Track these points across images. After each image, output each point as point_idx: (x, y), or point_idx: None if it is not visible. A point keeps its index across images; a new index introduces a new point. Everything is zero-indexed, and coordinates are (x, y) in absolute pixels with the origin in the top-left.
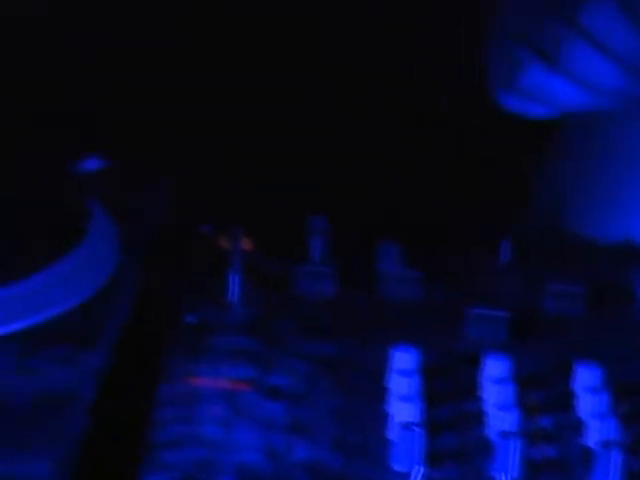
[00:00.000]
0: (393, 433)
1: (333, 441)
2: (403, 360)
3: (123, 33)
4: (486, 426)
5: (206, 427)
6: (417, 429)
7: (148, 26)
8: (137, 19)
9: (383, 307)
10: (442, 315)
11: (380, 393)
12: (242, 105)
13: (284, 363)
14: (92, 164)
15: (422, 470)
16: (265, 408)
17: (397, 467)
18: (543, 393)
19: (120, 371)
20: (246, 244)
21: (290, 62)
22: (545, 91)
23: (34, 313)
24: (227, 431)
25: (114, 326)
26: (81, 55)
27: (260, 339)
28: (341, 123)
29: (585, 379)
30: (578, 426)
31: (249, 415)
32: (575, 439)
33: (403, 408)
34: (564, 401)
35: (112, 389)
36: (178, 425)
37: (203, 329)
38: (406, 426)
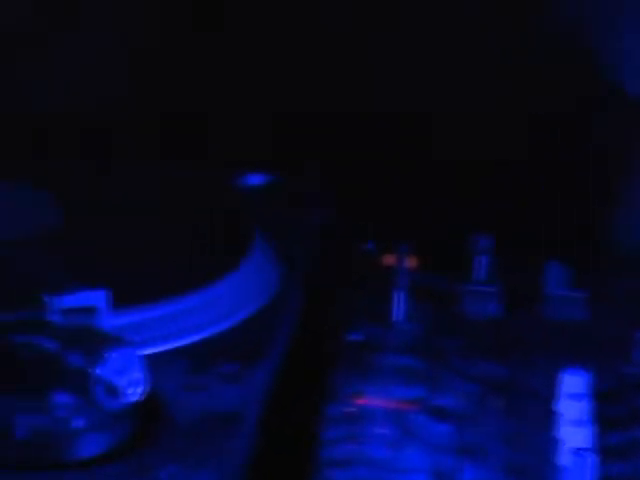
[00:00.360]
0: (564, 458)
1: (502, 465)
2: (573, 384)
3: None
4: None
5: (373, 447)
6: (589, 455)
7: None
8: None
9: (549, 328)
10: (610, 337)
11: (549, 417)
12: (407, 122)
13: (451, 383)
14: (255, 179)
15: None
16: (433, 429)
17: None
18: None
19: (285, 389)
20: (411, 262)
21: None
22: None
23: (201, 329)
24: (394, 451)
25: (279, 343)
26: None
27: (426, 358)
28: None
29: None
30: None
31: (416, 436)
32: None
33: (574, 433)
34: None
35: (278, 407)
36: (345, 444)
37: (368, 347)
38: (577, 452)
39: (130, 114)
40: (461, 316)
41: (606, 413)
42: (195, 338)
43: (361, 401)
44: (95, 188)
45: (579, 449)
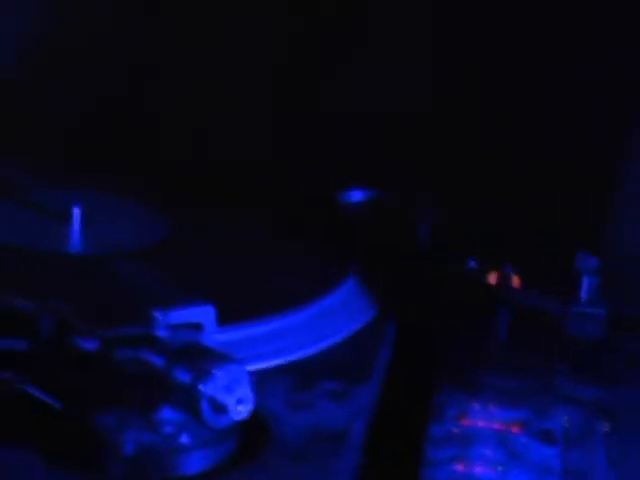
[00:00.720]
0: None
1: None
2: None
3: None
4: None
5: (479, 469)
6: None
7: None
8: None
9: None
10: None
11: None
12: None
13: (556, 406)
14: (358, 195)
15: None
16: (538, 452)
17: None
18: None
19: (391, 408)
20: (514, 281)
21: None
22: None
23: (306, 346)
24: (500, 474)
25: (382, 361)
26: None
27: (530, 380)
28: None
29: None
30: None
31: (521, 458)
32: None
33: None
34: None
35: (383, 426)
36: (450, 465)
37: (472, 367)
38: None
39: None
40: (567, 338)
41: None
42: (300, 355)
43: (466, 422)
44: (201, 203)
45: None
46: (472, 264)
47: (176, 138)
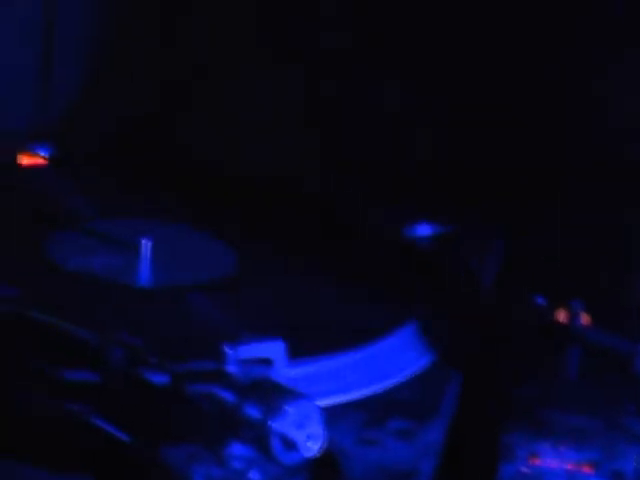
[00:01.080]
0: None
1: None
2: None
3: None
4: None
5: None
6: None
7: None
8: None
9: None
10: None
11: None
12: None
13: (627, 446)
14: (425, 229)
15: None
16: None
17: None
18: None
19: (459, 447)
20: (584, 319)
21: None
22: None
23: (376, 382)
24: None
25: (451, 399)
26: None
27: (600, 419)
28: None
29: None
30: None
31: None
32: None
33: None
34: None
35: (451, 466)
36: None
37: (541, 405)
38: None
39: None
40: (636, 376)
41: None
42: (369, 392)
43: (536, 462)
44: (268, 236)
45: None
46: (540, 301)
47: (227, 167)
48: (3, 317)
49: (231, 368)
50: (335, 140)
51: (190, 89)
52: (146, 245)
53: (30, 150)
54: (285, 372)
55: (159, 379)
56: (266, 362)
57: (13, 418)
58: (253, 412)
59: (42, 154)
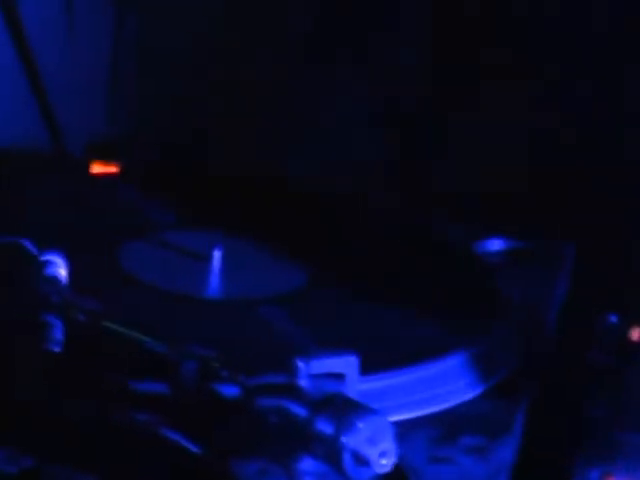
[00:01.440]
0: None
1: None
2: None
3: None
4: None
5: None
6: None
7: None
8: None
9: None
10: None
11: None
12: None
13: None
14: (495, 244)
15: None
16: None
17: None
18: None
19: (531, 466)
20: None
21: None
22: None
23: (448, 397)
24: None
25: (524, 416)
26: None
27: None
28: None
29: None
30: None
31: None
32: None
33: None
34: None
35: None
36: None
37: (614, 426)
38: None
39: None
40: None
41: None
42: (442, 407)
43: None
44: (339, 250)
45: None
46: (613, 319)
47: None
48: (79, 328)
49: (303, 382)
50: (407, 154)
51: (254, 102)
52: (218, 257)
53: (102, 159)
54: (357, 387)
55: (230, 392)
56: (338, 377)
57: (84, 427)
58: (325, 427)
59: (114, 163)
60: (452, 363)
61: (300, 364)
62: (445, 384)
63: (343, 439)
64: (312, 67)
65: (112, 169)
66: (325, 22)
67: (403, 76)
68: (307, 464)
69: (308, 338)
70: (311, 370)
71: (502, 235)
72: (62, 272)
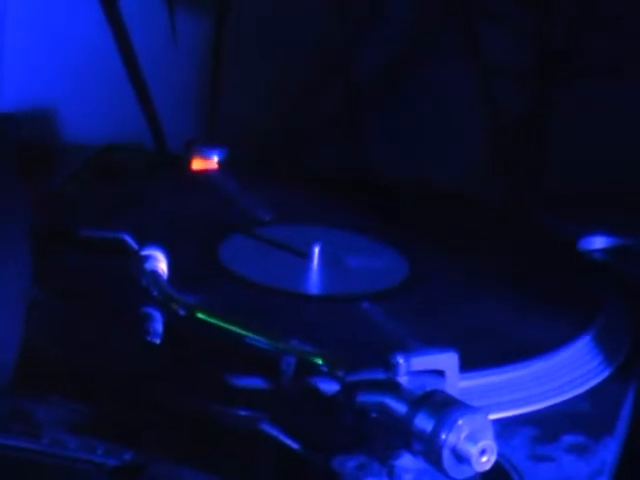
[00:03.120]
0: None
1: None
2: None
3: None
4: None
5: None
6: None
7: None
8: None
9: None
10: None
11: None
12: None
13: None
14: (600, 242)
15: None
16: None
17: None
18: None
19: (634, 466)
20: None
21: None
22: None
23: (549, 395)
24: None
25: (627, 415)
26: None
27: None
28: None
29: None
30: None
31: None
32: None
33: None
34: None
35: None
36: None
37: None
38: None
39: None
40: None
41: None
42: (543, 405)
43: None
44: (441, 244)
45: None
46: None
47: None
48: (179, 321)
49: (403, 379)
50: (514, 151)
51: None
52: (317, 252)
53: (202, 155)
54: (457, 384)
55: (330, 388)
56: (438, 373)
57: (184, 422)
58: (424, 424)
59: (214, 159)
60: (555, 360)
61: (400, 360)
62: (547, 382)
63: (443, 436)
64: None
65: (212, 166)
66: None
67: (508, 75)
68: (406, 461)
69: (408, 334)
70: (411, 367)
71: (607, 232)
72: (162, 266)
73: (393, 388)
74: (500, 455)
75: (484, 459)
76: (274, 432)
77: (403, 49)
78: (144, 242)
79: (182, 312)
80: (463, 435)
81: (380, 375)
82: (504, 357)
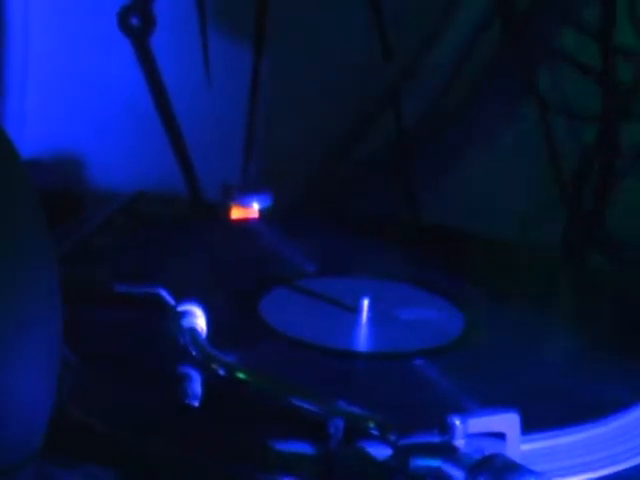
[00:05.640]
0: None
1: None
2: None
3: None
4: None
5: None
6: None
7: None
8: None
9: None
10: None
11: None
12: None
13: None
14: None
15: None
16: None
17: None
18: None
19: None
20: None
21: None
22: None
23: (615, 460)
24: None
25: None
26: None
27: None
28: None
29: None
30: None
31: None
32: None
33: None
34: None
35: None
36: None
37: None
38: None
39: None
40: None
41: None
42: (609, 471)
43: None
44: (499, 298)
45: None
46: None
47: None
48: (219, 382)
49: (459, 442)
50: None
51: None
52: (365, 305)
53: (241, 202)
54: (519, 447)
55: (382, 452)
56: (498, 436)
57: None
58: None
59: (254, 206)
60: (626, 420)
61: (456, 422)
62: (617, 444)
63: None
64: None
65: (252, 214)
66: None
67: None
68: None
69: (465, 393)
70: (468, 429)
71: None
72: (201, 323)
73: (449, 452)
74: None
75: None
76: None
77: (450, 95)
78: (181, 297)
79: (222, 372)
80: None
81: (435, 438)
82: (570, 417)
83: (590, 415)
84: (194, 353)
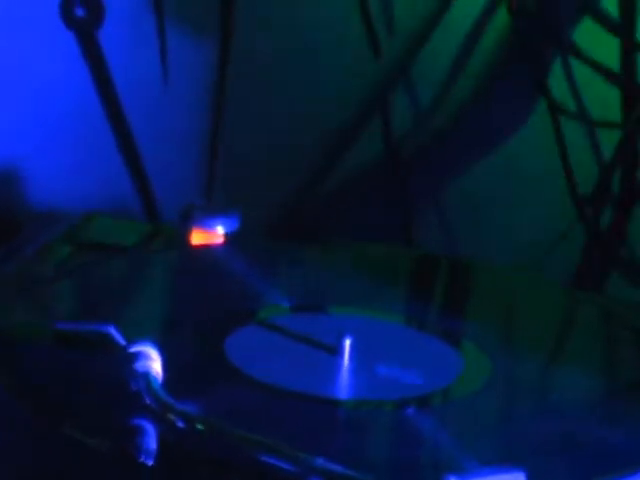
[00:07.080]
0: None
1: None
2: None
3: None
4: None
5: None
6: None
7: None
8: None
9: None
10: None
11: None
12: None
13: None
14: None
15: None
16: None
17: None
18: None
19: None
20: None
21: None
22: None
23: None
24: None
25: None
26: None
27: None
28: None
29: None
30: None
31: None
32: None
33: None
34: None
35: None
36: None
37: None
38: None
39: None
40: None
41: None
42: None
43: None
44: (500, 333)
45: None
46: None
47: None
48: (177, 436)
49: None
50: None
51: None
52: (348, 345)
53: (203, 225)
54: None
55: None
56: None
57: None
58: None
59: (218, 230)
60: None
61: None
62: None
63: None
64: None
65: (217, 239)
66: None
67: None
68: None
69: (463, 448)
70: None
71: None
72: (156, 366)
73: None
74: None
75: None
76: None
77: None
78: (133, 336)
79: (181, 424)
80: None
81: None
82: (589, 474)
83: (611, 470)
84: (148, 401)
